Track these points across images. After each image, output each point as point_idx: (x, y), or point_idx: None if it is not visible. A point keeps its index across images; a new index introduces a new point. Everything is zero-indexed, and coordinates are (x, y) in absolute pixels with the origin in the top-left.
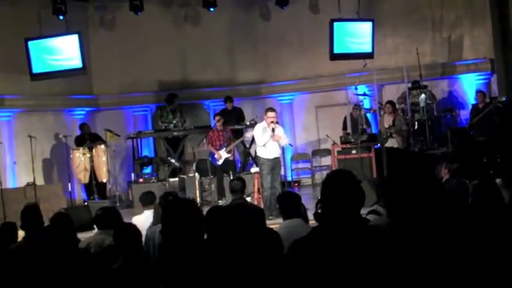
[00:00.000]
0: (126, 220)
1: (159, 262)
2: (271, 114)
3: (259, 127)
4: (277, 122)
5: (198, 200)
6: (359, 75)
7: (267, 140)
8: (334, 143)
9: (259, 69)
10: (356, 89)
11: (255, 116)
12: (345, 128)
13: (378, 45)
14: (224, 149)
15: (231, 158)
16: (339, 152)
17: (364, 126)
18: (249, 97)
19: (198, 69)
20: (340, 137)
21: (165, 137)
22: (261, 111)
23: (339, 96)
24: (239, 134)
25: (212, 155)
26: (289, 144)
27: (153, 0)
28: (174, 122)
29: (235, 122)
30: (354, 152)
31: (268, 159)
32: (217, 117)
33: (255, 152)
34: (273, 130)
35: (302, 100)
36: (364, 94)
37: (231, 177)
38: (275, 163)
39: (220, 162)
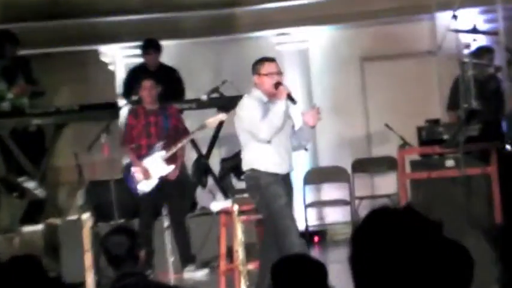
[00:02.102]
0: None
1: None
2: (271, 66)
3: (250, 103)
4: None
5: (90, 277)
6: None
7: (278, 124)
8: (404, 144)
9: None
10: (455, 18)
11: (221, 82)
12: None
13: None
14: (158, 152)
15: (173, 177)
16: (414, 165)
17: (474, 105)
18: (201, 37)
19: None
20: (419, 130)
21: (10, 130)
22: (233, 70)
23: (414, 34)
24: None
25: (129, 171)
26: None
27: None
28: (10, 96)
29: (162, 96)
30: (449, 163)
31: (277, 176)
32: (146, 82)
33: (230, 166)
34: (293, 100)
35: (329, 44)
36: (474, 30)
37: (176, 224)
38: (288, 186)
39: (147, 187)
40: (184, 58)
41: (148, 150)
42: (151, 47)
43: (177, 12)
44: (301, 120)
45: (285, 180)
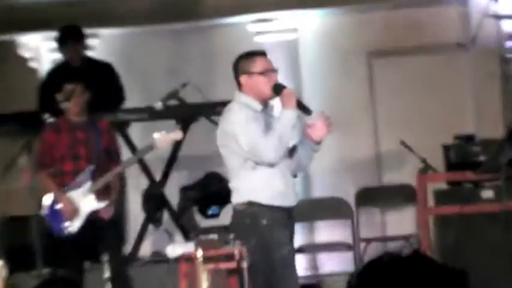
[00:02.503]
0: None
1: None
2: (265, 61)
3: (244, 113)
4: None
5: None
6: None
7: (288, 141)
8: (425, 168)
9: None
10: (495, 0)
11: (181, 85)
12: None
13: None
14: (87, 184)
15: (107, 216)
16: (440, 197)
17: None
18: (155, 24)
19: None
20: (446, 149)
21: None
22: (197, 69)
23: (439, 21)
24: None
25: (50, 205)
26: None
27: None
28: None
29: (96, 105)
30: (487, 195)
31: (282, 211)
32: (69, 87)
33: (193, 196)
34: (306, 110)
35: (325, 34)
36: None
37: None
38: (291, 222)
39: (73, 227)
40: (132, 52)
41: (75, 177)
42: (68, 36)
43: None
44: (299, 133)
45: (288, 214)
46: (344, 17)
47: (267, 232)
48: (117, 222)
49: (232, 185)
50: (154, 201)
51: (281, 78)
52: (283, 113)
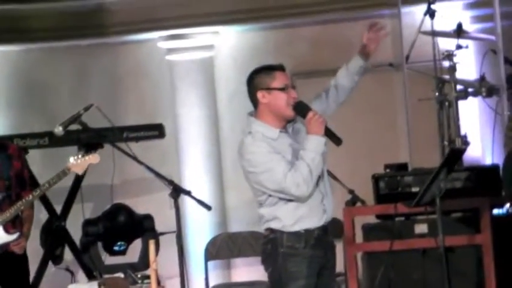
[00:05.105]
0: None
1: None
2: (285, 76)
3: (255, 151)
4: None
5: None
6: None
7: (318, 171)
8: (353, 200)
9: None
10: (430, 14)
11: (83, 109)
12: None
13: None
14: None
15: (19, 250)
16: (369, 232)
17: (458, 143)
18: (54, 41)
19: None
20: (376, 179)
21: None
22: (102, 90)
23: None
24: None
25: None
26: (206, 207)
27: None
28: None
29: None
30: (420, 229)
31: (308, 234)
32: None
33: (97, 231)
34: (336, 138)
35: (245, 52)
36: (460, 32)
37: None
38: (325, 244)
39: None
40: (31, 71)
41: None
42: None
43: (18, 3)
44: None
45: (320, 235)
46: (265, 34)
47: (282, 260)
48: (25, 258)
49: (258, 211)
50: (54, 236)
51: (194, 100)
52: (310, 140)
